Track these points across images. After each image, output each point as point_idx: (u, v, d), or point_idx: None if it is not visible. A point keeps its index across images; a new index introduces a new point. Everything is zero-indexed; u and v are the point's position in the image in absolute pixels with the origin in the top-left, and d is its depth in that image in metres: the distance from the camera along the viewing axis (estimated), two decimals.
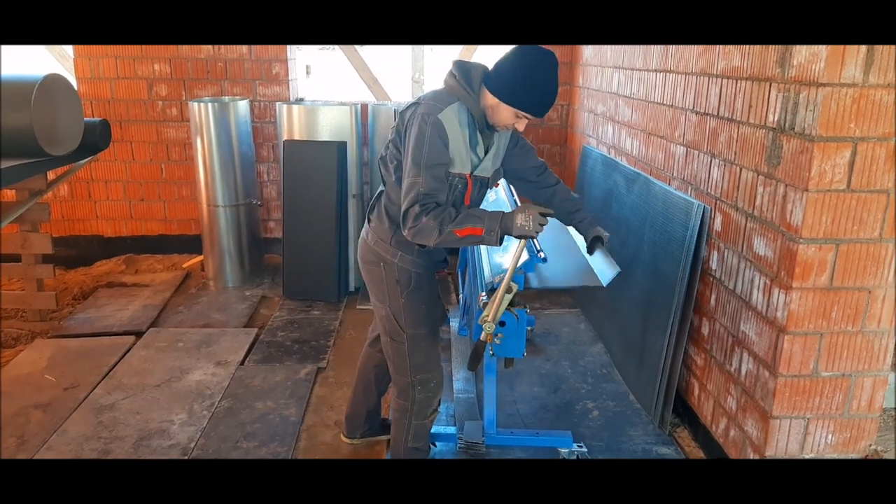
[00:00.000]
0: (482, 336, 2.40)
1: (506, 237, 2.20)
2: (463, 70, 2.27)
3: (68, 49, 5.27)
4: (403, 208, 2.19)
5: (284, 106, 4.58)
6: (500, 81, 2.21)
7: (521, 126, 2.32)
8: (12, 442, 3.01)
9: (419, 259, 2.42)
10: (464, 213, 2.18)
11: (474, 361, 2.49)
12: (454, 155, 2.22)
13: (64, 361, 3.74)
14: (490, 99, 2.24)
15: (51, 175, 4.14)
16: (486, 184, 2.42)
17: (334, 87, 10.82)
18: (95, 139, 4.12)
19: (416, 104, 2.27)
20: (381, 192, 2.46)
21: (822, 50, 2.12)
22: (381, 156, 2.44)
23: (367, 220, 2.52)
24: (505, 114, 2.25)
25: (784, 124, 2.35)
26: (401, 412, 2.59)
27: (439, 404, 2.65)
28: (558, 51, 5.05)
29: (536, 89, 2.20)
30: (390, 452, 2.74)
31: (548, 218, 2.20)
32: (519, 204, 2.65)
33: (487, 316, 2.36)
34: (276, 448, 2.98)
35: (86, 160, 4.22)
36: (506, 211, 2.19)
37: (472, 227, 2.15)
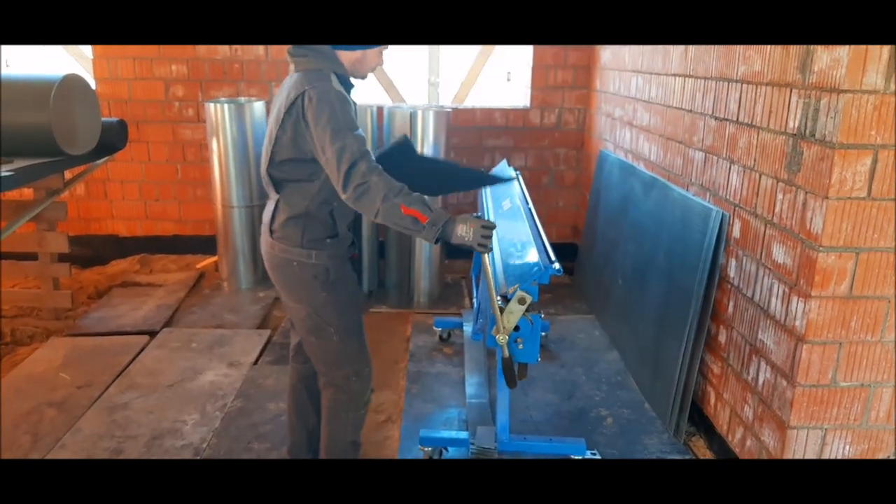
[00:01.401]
0: (504, 352, 2.40)
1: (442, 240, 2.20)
2: (309, 48, 2.30)
3: (87, 50, 5.31)
4: (344, 169, 2.12)
5: None
6: None
7: (382, 61, 2.42)
8: (27, 439, 3.02)
9: (333, 250, 2.38)
10: (416, 194, 2.15)
11: (510, 379, 2.47)
12: None
13: (78, 360, 3.76)
14: (352, 55, 2.32)
15: (68, 174, 4.17)
16: None
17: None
18: (112, 139, 4.14)
19: (299, 95, 2.20)
20: (276, 204, 2.37)
21: (844, 56, 2.09)
22: (265, 168, 2.35)
23: (268, 234, 2.40)
24: (372, 58, 2.37)
25: (804, 131, 2.32)
26: (338, 408, 2.53)
27: (372, 393, 2.60)
28: (576, 53, 5.05)
29: None
30: (326, 451, 2.61)
31: (491, 230, 2.18)
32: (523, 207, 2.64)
33: (498, 329, 2.38)
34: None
35: (103, 160, 4.24)
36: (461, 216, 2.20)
37: (420, 211, 2.12)
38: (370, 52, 2.35)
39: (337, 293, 2.41)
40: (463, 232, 2.15)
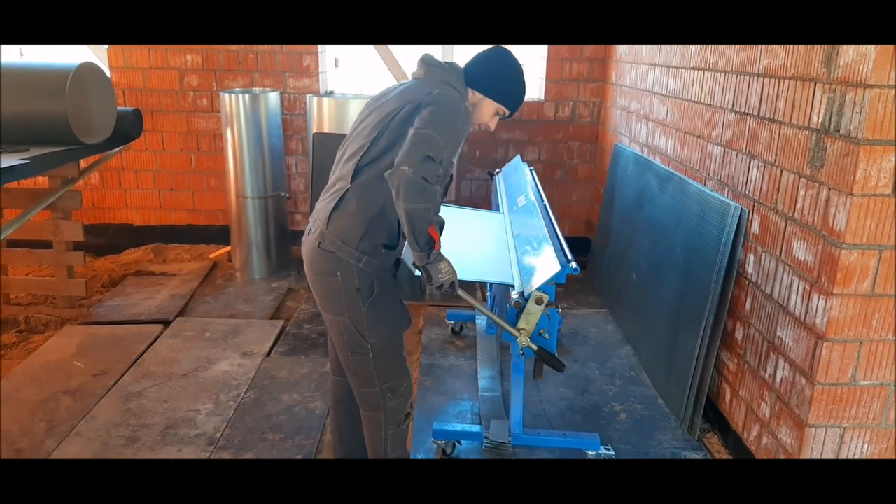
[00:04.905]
0: (531, 347, 2.42)
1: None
2: (451, 67, 2.30)
3: None
4: (425, 153, 2.01)
5: (315, 98, 4.58)
6: (486, 78, 2.29)
7: (493, 125, 2.39)
8: (42, 427, 3.04)
9: (383, 261, 2.27)
10: (443, 222, 2.16)
11: (555, 364, 2.45)
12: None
13: (93, 348, 3.78)
14: (475, 96, 2.31)
15: (83, 163, 4.18)
16: None
17: (362, 78, 10.82)
18: (127, 128, 4.15)
19: (433, 90, 2.18)
20: (343, 194, 2.21)
21: (871, 51, 2.06)
22: (359, 158, 2.20)
23: (324, 222, 2.23)
24: (486, 111, 2.35)
25: (829, 126, 2.29)
26: (375, 425, 2.43)
27: (413, 408, 2.51)
28: (592, 46, 5.01)
29: (519, 86, 2.34)
30: None
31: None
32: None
33: (519, 330, 2.37)
34: (301, 441, 2.98)
35: (118, 149, 4.25)
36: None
37: (438, 235, 2.10)
38: (487, 102, 2.33)
39: (378, 309, 2.29)
40: (441, 276, 2.13)
